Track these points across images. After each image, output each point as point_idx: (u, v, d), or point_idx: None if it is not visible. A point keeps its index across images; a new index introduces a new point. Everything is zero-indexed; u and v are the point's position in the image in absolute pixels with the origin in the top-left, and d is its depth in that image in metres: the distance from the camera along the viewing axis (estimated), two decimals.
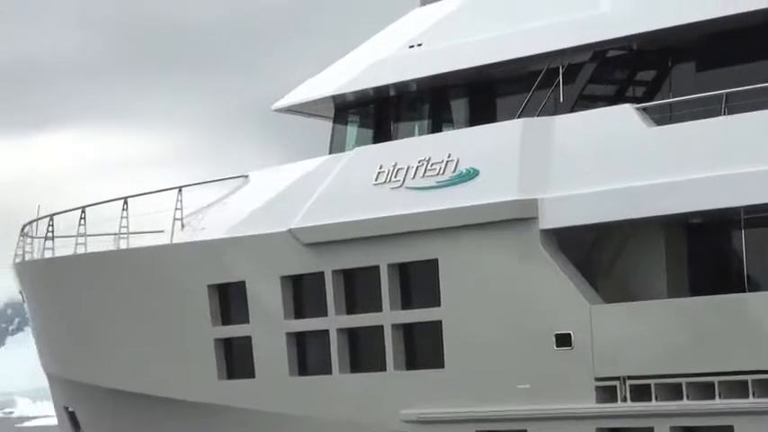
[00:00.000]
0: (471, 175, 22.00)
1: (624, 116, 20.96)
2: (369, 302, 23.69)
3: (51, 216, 29.90)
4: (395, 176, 23.06)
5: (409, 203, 22.68)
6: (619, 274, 21.60)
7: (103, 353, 28.43)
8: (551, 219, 21.01)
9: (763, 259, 20.32)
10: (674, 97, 21.70)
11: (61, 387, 31.17)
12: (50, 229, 30.33)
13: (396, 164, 23.00)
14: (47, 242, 30.18)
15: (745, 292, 20.06)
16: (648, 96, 22.31)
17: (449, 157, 22.32)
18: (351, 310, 23.95)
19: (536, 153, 21.57)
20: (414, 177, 22.76)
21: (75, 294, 28.77)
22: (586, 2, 22.55)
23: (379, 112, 25.83)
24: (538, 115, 22.43)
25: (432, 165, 22.53)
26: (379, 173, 23.23)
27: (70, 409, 31.00)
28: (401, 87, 24.90)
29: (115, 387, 28.02)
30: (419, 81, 24.45)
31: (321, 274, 23.97)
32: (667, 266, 21.10)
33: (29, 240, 31.09)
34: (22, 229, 31.19)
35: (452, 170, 22.26)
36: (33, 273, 30.61)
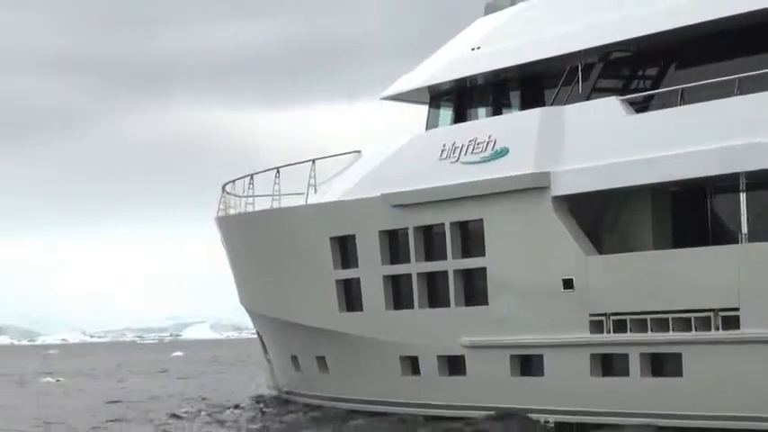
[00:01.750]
0: (504, 152, 24.41)
1: (610, 106, 23.17)
2: (439, 252, 25.89)
3: (250, 176, 31.68)
4: (453, 153, 25.50)
5: (462, 175, 25.04)
6: (619, 231, 23.60)
7: (269, 291, 31.34)
8: (560, 187, 23.24)
9: (727, 219, 22.20)
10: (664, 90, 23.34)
11: (252, 317, 34.37)
12: (230, 189, 32.54)
13: (454, 143, 25.50)
14: (240, 200, 31.97)
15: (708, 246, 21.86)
16: (641, 90, 24.17)
17: (489, 138, 24.77)
18: (428, 258, 26.14)
19: (549, 135, 23.76)
20: (465, 154, 25.19)
21: (251, 244, 31.62)
22: (598, 9, 24.27)
23: (457, 100, 27.88)
24: (565, 104, 24.36)
25: (477, 144, 24.98)
26: (442, 150, 25.71)
27: (260, 333, 34.50)
28: (466, 81, 27.19)
29: (278, 317, 31.19)
30: (478, 76, 26.64)
31: (406, 229, 26.38)
32: (653, 226, 23.11)
33: (228, 197, 32.76)
34: (223, 188, 33.11)
35: (491, 149, 24.66)
36: (228, 226, 32.84)
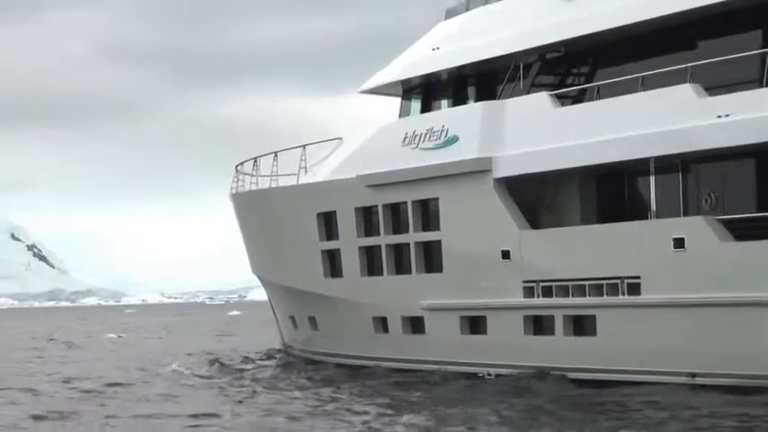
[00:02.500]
0: (454, 140, 24.86)
1: (540, 100, 23.71)
2: (403, 227, 26.37)
3: (255, 158, 31.79)
4: (413, 140, 25.96)
5: (421, 159, 25.55)
6: (555, 209, 24.05)
7: (270, 260, 31.86)
8: (500, 170, 23.75)
9: (640, 199, 22.66)
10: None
11: (262, 283, 34.49)
12: (249, 168, 32.26)
13: (414, 131, 26.02)
14: (250, 178, 31.98)
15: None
16: (572, 85, 24.57)
17: (442, 127, 25.27)
18: (394, 231, 26.57)
19: (491, 125, 24.21)
20: (423, 141, 25.66)
21: (255, 218, 32.09)
22: (536, 15, 24.45)
23: (424, 93, 28.13)
24: (509, 98, 24.66)
25: (433, 132, 25.45)
26: (404, 137, 26.19)
27: (269, 297, 34.79)
28: (431, 77, 27.39)
29: (279, 283, 31.81)
30: (441, 72, 26.97)
31: (377, 206, 26.82)
32: (580, 205, 23.61)
33: (240, 176, 32.82)
34: (236, 168, 33.01)
35: (444, 137, 25.10)
36: (240, 201, 32.93)
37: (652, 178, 22.14)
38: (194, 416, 19.69)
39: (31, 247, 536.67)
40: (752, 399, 18.20)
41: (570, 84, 24.59)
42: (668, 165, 21.57)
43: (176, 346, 44.86)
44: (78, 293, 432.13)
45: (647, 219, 22.05)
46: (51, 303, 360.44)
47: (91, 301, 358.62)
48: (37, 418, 20.12)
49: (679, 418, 17.19)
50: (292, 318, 31.97)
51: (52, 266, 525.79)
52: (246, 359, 33.76)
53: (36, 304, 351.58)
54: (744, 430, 16.05)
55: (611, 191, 23.24)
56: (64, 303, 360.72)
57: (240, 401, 22.22)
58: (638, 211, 22.48)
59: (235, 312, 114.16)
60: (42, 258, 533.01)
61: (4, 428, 18.83)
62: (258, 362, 32.91)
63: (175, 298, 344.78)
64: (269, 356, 34.40)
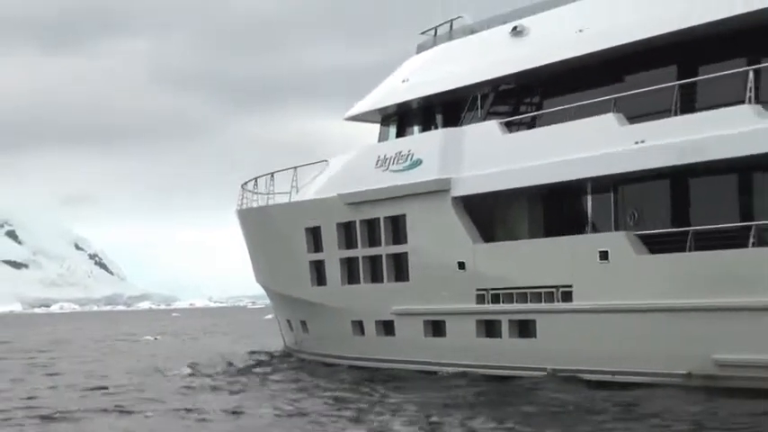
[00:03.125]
0: (418, 163, 25.22)
1: (491, 128, 24.14)
2: (377, 240, 26.64)
3: (255, 177, 32.17)
4: (384, 163, 26.34)
5: (390, 180, 25.91)
6: (508, 224, 24.31)
7: (269, 270, 32.16)
8: (457, 190, 24.13)
9: (580, 216, 22.98)
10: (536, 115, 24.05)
11: (265, 290, 34.68)
12: (249, 186, 32.62)
13: (385, 155, 26.43)
14: (253, 196, 32.27)
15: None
16: (523, 113, 24.68)
17: (408, 151, 25.71)
18: (370, 244, 26.88)
19: (450, 150, 24.54)
20: (392, 164, 26.03)
21: (255, 232, 32.45)
22: (491, 51, 24.91)
23: (398, 120, 28.38)
24: (469, 125, 25.14)
25: (400, 156, 25.87)
26: (377, 160, 26.59)
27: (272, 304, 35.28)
28: (404, 105, 27.81)
29: (276, 291, 32.22)
30: (412, 101, 27.39)
31: (354, 222, 27.19)
32: (528, 220, 23.91)
33: (245, 194, 32.86)
34: (242, 186, 33.06)
35: (410, 160, 25.49)
36: (247, 217, 32.90)
37: (589, 197, 22.55)
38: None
39: (92, 257, 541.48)
40: (662, 392, 18.59)
41: (523, 112, 24.87)
42: (601, 185, 21.95)
43: (199, 347, 45.26)
44: (134, 298, 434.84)
45: (586, 233, 22.38)
46: (109, 307, 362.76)
47: (145, 305, 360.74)
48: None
49: (604, 411, 17.63)
50: (288, 322, 32.42)
51: (111, 274, 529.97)
52: (248, 360, 33.68)
53: (95, 308, 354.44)
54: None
55: (556, 208, 23.60)
56: (120, 307, 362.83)
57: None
58: (578, 226, 22.82)
59: (269, 316, 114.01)
60: (103, 266, 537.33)
61: None
62: (259, 362, 32.44)
63: (221, 302, 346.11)
64: (271, 357, 34.28)
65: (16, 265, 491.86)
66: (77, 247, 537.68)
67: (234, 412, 19.22)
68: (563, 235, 22.42)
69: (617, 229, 21.54)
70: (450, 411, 18.11)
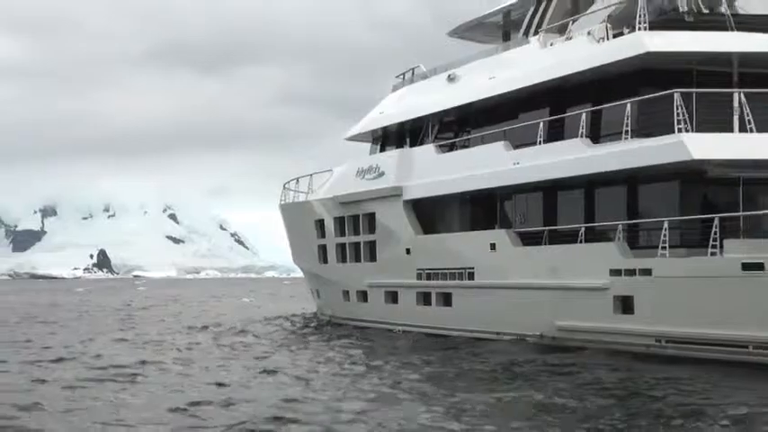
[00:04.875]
0: (383, 174, 26.45)
1: (428, 150, 25.21)
2: (359, 231, 27.67)
3: (296, 178, 32.57)
4: (361, 173, 27.55)
5: (365, 186, 27.08)
6: (446, 222, 24.99)
7: (299, 251, 32.90)
8: (407, 195, 25.24)
9: (495, 216, 23.40)
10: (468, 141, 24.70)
11: (300, 268, 35.07)
12: (291, 185, 32.94)
13: (362, 167, 27.66)
14: (293, 194, 32.77)
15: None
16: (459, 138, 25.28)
17: (375, 166, 26.98)
18: (354, 233, 27.87)
19: (403, 165, 25.67)
20: (367, 174, 27.23)
21: (290, 222, 33.13)
22: (437, 92, 25.61)
23: (381, 140, 29.13)
24: (438, 147, 25.21)
25: (371, 168, 27.13)
26: (357, 171, 27.82)
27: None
28: (382, 130, 28.59)
29: (304, 267, 33.06)
30: (390, 126, 27.99)
31: (344, 216, 28.28)
32: (459, 219, 24.63)
33: (286, 191, 33.27)
34: (284, 185, 33.34)
35: (377, 172, 26.74)
36: (287, 211, 33.27)
37: (498, 203, 23.42)
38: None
39: (232, 235, 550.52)
40: (523, 346, 19.75)
41: (460, 137, 25.47)
42: (505, 193, 22.90)
43: (278, 308, 44.67)
44: (263, 268, 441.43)
45: (495, 229, 22.89)
46: (244, 275, 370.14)
47: (271, 274, 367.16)
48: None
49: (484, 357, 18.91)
50: (312, 291, 33.66)
51: (246, 248, 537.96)
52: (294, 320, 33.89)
53: (232, 275, 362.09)
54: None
55: (479, 210, 24.13)
56: (253, 275, 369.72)
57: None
58: (493, 223, 23.40)
59: None
60: (240, 242, 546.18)
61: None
62: (291, 320, 33.45)
63: None
64: (306, 320, 34.15)
65: (175, 240, 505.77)
66: (221, 228, 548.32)
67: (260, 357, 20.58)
68: (483, 230, 23.29)
69: (513, 227, 22.47)
70: (391, 356, 19.60)
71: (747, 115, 17.45)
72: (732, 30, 18.73)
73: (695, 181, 18.21)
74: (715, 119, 18.01)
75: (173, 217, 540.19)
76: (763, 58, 18.61)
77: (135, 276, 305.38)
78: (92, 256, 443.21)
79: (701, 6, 20.04)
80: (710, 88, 18.18)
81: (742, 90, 17.89)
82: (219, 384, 15.51)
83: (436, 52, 29.93)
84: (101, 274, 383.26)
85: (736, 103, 18.06)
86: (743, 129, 18.02)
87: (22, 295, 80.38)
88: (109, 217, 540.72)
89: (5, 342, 24.74)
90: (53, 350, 22.05)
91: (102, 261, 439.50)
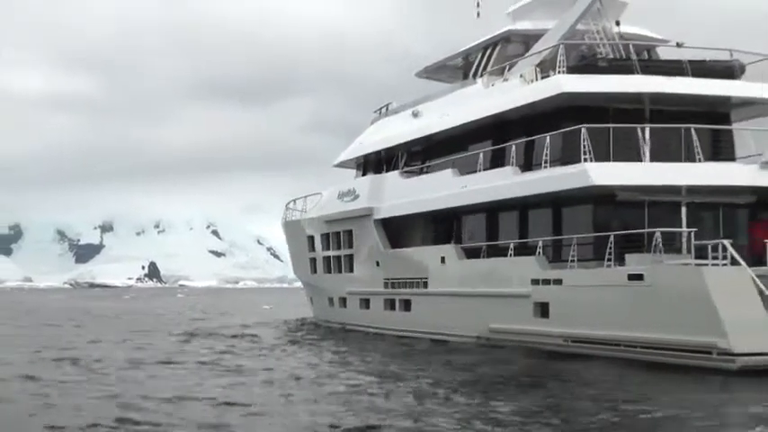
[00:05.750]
0: (358, 196, 27.13)
1: (394, 177, 25.84)
2: (340, 246, 28.30)
3: (296, 198, 32.80)
4: (340, 196, 28.23)
5: (344, 207, 27.70)
6: (412, 238, 25.33)
7: (296, 263, 33.05)
8: (377, 215, 25.89)
9: (452, 232, 23.58)
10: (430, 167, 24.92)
11: (299, 279, 35.40)
12: (292, 205, 33.24)
13: (341, 191, 28.39)
14: (293, 212, 32.90)
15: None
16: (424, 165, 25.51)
17: (353, 189, 27.66)
18: (337, 248, 28.49)
19: (375, 189, 26.31)
20: (345, 197, 27.90)
21: (290, 238, 33.50)
22: (404, 125, 26.19)
23: (363, 167, 29.59)
24: (403, 174, 25.91)
25: (348, 192, 27.84)
26: (338, 194, 28.51)
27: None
28: (359, 158, 29.37)
29: (300, 277, 33.38)
30: (368, 155, 28.58)
31: (329, 233, 28.93)
32: (422, 235, 24.99)
33: (289, 210, 33.44)
34: (286, 205, 33.54)
35: (353, 195, 27.45)
36: (287, 227, 33.41)
37: (453, 221, 23.77)
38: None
39: (268, 249, 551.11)
40: (466, 347, 20.25)
41: (422, 165, 25.94)
42: (457, 213, 23.35)
43: (288, 313, 43.87)
44: (294, 279, 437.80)
45: (444, 245, 23.14)
46: (279, 285, 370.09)
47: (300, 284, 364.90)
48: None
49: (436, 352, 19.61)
50: (308, 298, 33.98)
51: (281, 261, 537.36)
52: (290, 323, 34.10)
53: (267, 285, 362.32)
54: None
55: (438, 227, 24.55)
56: (285, 285, 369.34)
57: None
58: (450, 239, 23.50)
59: None
60: (275, 256, 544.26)
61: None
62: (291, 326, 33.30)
63: None
64: (302, 323, 34.46)
65: (217, 253, 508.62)
66: (258, 242, 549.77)
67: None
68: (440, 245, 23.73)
69: (459, 243, 22.98)
70: (366, 354, 20.21)
71: (645, 146, 18.10)
72: (638, 73, 19.41)
73: (606, 203, 18.81)
74: (628, 150, 18.66)
75: (215, 233, 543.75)
76: (665, 97, 19.30)
77: (180, 285, 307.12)
78: (143, 267, 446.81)
79: (615, 53, 20.83)
80: (626, 124, 18.83)
81: (643, 125, 18.59)
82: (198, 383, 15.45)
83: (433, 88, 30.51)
84: (150, 284, 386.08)
85: (643, 135, 18.74)
86: (654, 158, 18.68)
87: (70, 302, 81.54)
88: (159, 232, 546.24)
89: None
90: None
91: (153, 271, 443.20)
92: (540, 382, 14.26)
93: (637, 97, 19.39)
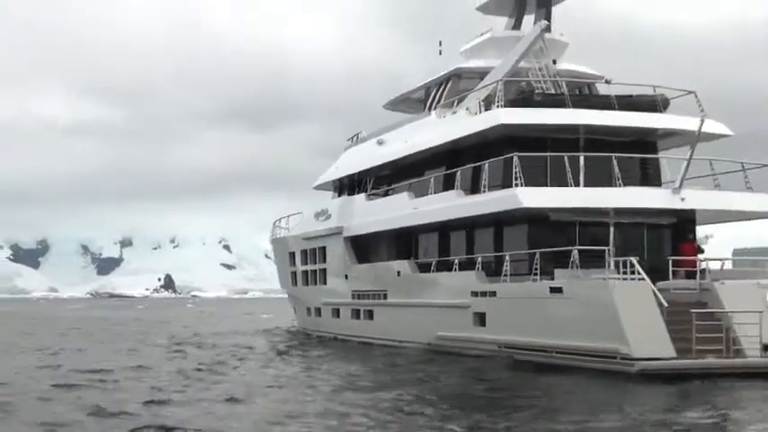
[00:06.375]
0: (330, 216, 27.67)
1: (361, 199, 26.32)
2: (316, 260, 28.68)
3: (282, 217, 32.90)
4: (317, 216, 28.72)
5: (319, 226, 28.25)
6: (378, 254, 25.61)
7: (281, 277, 33.37)
8: (346, 233, 26.33)
9: (413, 248, 23.98)
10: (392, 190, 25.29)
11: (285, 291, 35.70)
12: (279, 223, 33.24)
13: (317, 211, 28.92)
14: (280, 230, 32.99)
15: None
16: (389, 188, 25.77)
17: (326, 210, 28.16)
18: (314, 263, 28.82)
19: (345, 209, 26.85)
20: (320, 217, 28.42)
21: (277, 254, 33.80)
22: (372, 151, 26.50)
23: (339, 188, 29.84)
24: (368, 196, 26.31)
25: (323, 212, 28.35)
26: (315, 214, 29.03)
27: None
28: (335, 181, 29.70)
29: (285, 289, 33.63)
30: (342, 178, 28.95)
31: (311, 249, 29.06)
32: (387, 250, 25.16)
33: (277, 228, 33.38)
34: (274, 223, 33.71)
35: (326, 215, 27.96)
36: (274, 244, 33.75)
37: (412, 239, 24.20)
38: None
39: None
40: (416, 353, 20.66)
41: (387, 188, 26.21)
42: (415, 232, 23.77)
43: (282, 321, 43.15)
44: None
45: (410, 260, 23.57)
46: (282, 295, 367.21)
47: None
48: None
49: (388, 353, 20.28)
50: (293, 308, 34.30)
51: None
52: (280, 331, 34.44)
53: (273, 295, 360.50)
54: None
55: (400, 244, 24.76)
56: None
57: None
58: (410, 255, 23.96)
59: None
60: None
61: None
62: (272, 332, 34.38)
63: None
64: (287, 331, 34.64)
65: (228, 266, 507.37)
66: (266, 256, 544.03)
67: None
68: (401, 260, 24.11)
69: (417, 258, 23.49)
70: (331, 358, 20.93)
71: (580, 173, 18.59)
72: (569, 107, 20.05)
73: (540, 224, 19.37)
74: (564, 176, 19.15)
75: (226, 247, 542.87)
76: (596, 128, 19.92)
77: (192, 296, 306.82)
78: (159, 279, 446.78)
79: (555, 89, 21.49)
80: (562, 153, 19.32)
81: (571, 154, 19.14)
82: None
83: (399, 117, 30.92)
84: (166, 294, 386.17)
85: (577, 163, 19.22)
86: (588, 183, 19.18)
87: (85, 312, 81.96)
88: (174, 247, 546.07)
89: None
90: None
91: (168, 283, 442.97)
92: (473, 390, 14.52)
93: (572, 128, 19.95)
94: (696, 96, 21.08)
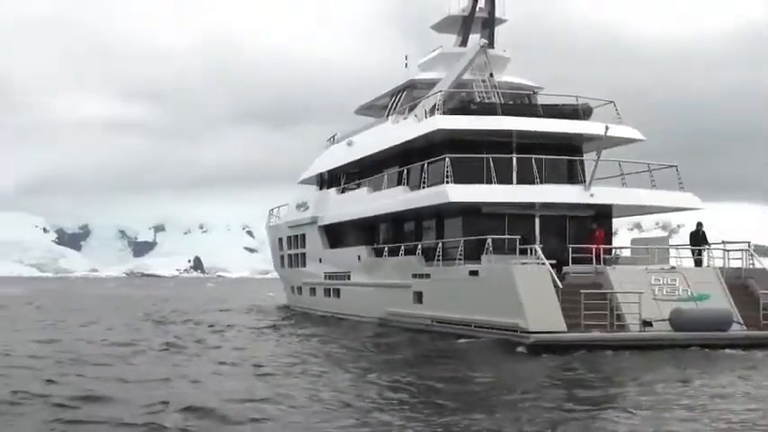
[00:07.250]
0: (307, 207, 28.32)
1: (332, 192, 27.09)
2: (298, 245, 29.45)
3: (275, 207, 33.09)
4: (298, 207, 29.39)
5: (299, 215, 29.00)
6: (348, 240, 26.18)
7: (275, 260, 33.67)
8: (321, 222, 27.08)
9: (378, 236, 24.62)
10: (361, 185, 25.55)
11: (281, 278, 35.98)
12: (273, 212, 33.81)
13: (298, 203, 29.61)
14: (273, 218, 33.44)
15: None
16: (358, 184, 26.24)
17: (305, 202, 28.85)
18: (297, 248, 29.49)
19: (321, 202, 27.55)
20: (300, 207, 29.14)
21: (271, 240, 33.93)
22: (344, 151, 26.83)
23: (320, 182, 29.99)
24: (339, 190, 27.13)
25: (302, 204, 29.06)
26: (297, 205, 29.73)
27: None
28: (316, 176, 30.09)
29: (277, 272, 34.25)
30: (322, 173, 29.14)
31: (294, 235, 29.80)
32: (357, 237, 25.38)
33: (271, 216, 33.56)
34: (269, 212, 33.64)
35: (305, 206, 28.64)
36: (269, 230, 33.64)
37: (375, 227, 24.86)
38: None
39: None
40: (370, 326, 21.67)
41: (356, 184, 26.52)
42: (376, 222, 24.43)
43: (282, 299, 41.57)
44: None
45: (374, 246, 24.05)
46: None
47: None
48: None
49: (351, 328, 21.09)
50: (283, 288, 35.10)
51: None
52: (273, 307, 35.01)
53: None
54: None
55: (366, 232, 25.17)
56: None
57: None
58: (374, 242, 24.38)
59: None
60: None
61: None
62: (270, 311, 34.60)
63: None
64: (278, 309, 34.78)
65: (251, 250, 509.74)
66: None
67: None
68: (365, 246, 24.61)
69: (378, 245, 24.18)
70: (308, 329, 21.81)
71: (492, 171, 19.51)
72: (500, 114, 20.90)
73: (474, 215, 20.27)
74: (499, 174, 19.96)
75: (249, 233, 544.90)
76: (525, 133, 20.74)
77: (218, 276, 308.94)
78: (189, 261, 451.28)
79: (497, 99, 22.28)
80: (497, 154, 20.15)
81: (496, 155, 20.02)
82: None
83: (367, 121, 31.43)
84: (195, 274, 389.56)
85: (510, 163, 20.09)
86: (519, 181, 20.04)
87: (114, 290, 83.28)
88: (203, 232, 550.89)
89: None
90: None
91: (197, 264, 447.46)
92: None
93: (504, 133, 20.74)
94: (615, 105, 21.88)
